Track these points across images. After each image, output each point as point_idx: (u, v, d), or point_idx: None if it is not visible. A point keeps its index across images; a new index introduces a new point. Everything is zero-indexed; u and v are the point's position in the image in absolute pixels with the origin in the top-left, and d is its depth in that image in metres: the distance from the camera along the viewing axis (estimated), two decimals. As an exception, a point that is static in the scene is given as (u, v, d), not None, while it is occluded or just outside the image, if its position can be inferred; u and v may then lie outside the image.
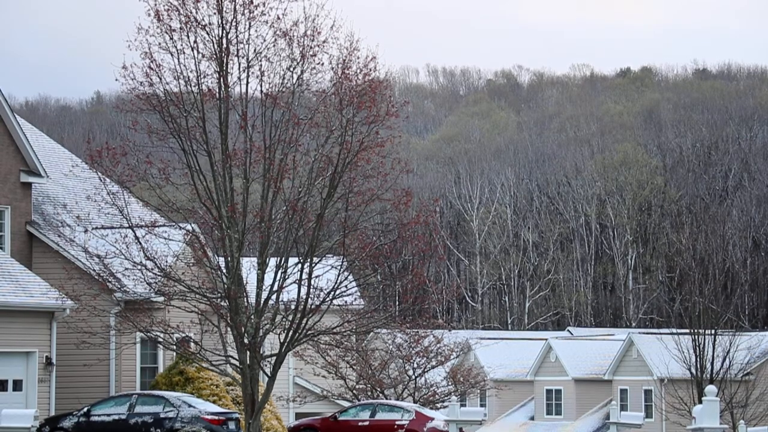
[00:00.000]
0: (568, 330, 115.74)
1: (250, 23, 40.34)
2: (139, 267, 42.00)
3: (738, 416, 68.52)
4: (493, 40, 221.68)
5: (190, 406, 47.16)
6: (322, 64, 40.99)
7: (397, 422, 57.62)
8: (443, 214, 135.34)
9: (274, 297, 41.08)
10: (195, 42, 40.24)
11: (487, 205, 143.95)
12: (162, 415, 46.84)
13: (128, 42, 40.53)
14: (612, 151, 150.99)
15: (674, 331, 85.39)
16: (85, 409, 47.69)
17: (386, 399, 64.80)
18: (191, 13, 40.16)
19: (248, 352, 40.78)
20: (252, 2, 40.25)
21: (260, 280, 40.85)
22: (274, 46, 40.44)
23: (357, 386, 70.18)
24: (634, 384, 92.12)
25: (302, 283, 41.19)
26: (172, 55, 40.27)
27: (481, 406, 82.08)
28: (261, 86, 40.73)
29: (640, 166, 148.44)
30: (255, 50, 40.49)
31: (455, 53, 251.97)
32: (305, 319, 41.50)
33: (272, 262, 41.23)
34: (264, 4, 40.23)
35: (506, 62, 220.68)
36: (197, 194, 41.14)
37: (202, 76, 40.34)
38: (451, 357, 78.93)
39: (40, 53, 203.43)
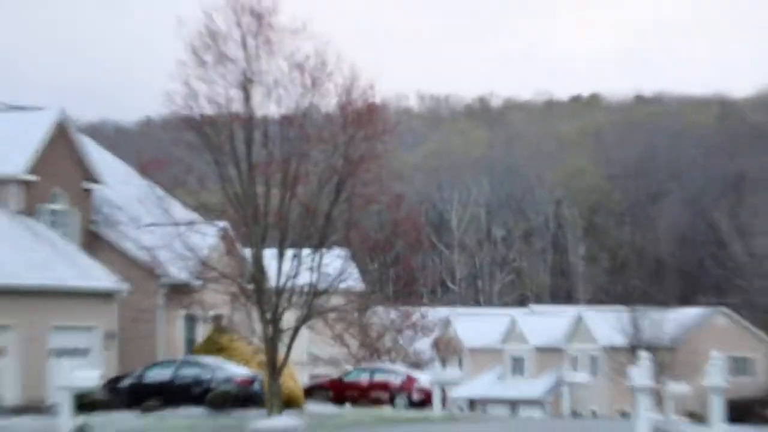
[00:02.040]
0: (530, 307, 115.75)
1: (269, 58, 40.31)
2: (181, 257, 42.05)
3: (665, 376, 68.56)
4: (471, 69, 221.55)
5: (223, 369, 47.34)
6: (329, 90, 40.96)
7: (391, 382, 57.73)
8: (428, 214, 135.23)
9: (290, 281, 41.08)
10: (224, 74, 40.25)
11: (464, 206, 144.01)
12: (200, 377, 47.03)
13: (171, 74, 40.58)
14: (567, 164, 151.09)
15: (616, 308, 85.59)
16: (139, 372, 47.90)
17: (382, 364, 64.89)
18: (221, 49, 40.13)
19: (270, 326, 40.81)
20: (270, 40, 40.20)
21: (279, 268, 40.88)
22: (289, 76, 40.42)
23: (358, 354, 70.29)
24: (584, 351, 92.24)
25: (313, 270, 41.20)
26: (205, 83, 40.26)
27: (459, 369, 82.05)
28: (279, 109, 40.77)
29: (589, 175, 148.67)
30: (273, 80, 40.44)
31: (440, 80, 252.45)
32: (316, 299, 41.53)
33: (289, 253, 41.26)
34: (280, 41, 40.19)
35: (481, 89, 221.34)
36: (227, 198, 41.17)
37: (230, 101, 40.35)
38: (435, 329, 79.08)
39: (103, 81, 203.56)
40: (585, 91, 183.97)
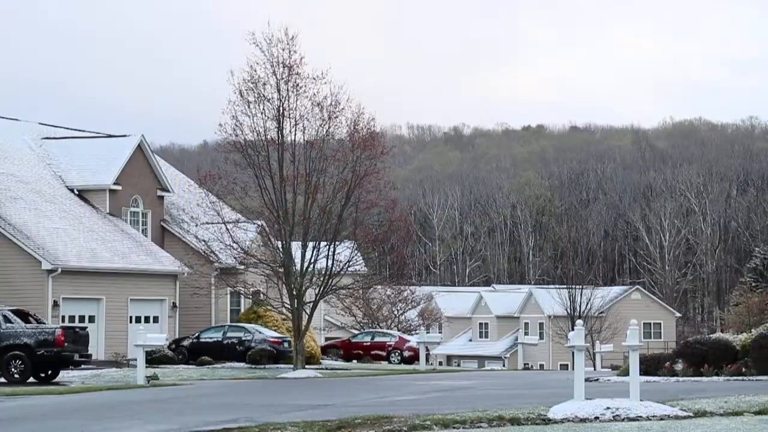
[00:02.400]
0: (493, 286, 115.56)
1: (296, 98, 40.14)
2: (229, 247, 41.91)
3: (595, 338, 68.40)
4: (448, 105, 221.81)
5: (260, 332, 47.16)
6: (341, 122, 40.80)
7: (387, 343, 57.53)
8: (416, 215, 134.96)
9: (311, 266, 40.91)
10: (263, 110, 40.05)
11: (442, 209, 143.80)
12: (243, 338, 46.86)
13: (223, 109, 40.50)
14: (520, 177, 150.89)
15: (558, 286, 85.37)
16: (196, 334, 47.71)
17: (381, 329, 64.69)
18: (261, 92, 39.92)
19: (295, 300, 40.66)
20: (297, 85, 40.01)
21: (303, 256, 40.72)
22: (311, 112, 40.26)
23: (362, 321, 70.11)
24: (533, 319, 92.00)
25: (329, 257, 41.04)
26: (249, 117, 40.07)
27: (439, 333, 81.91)
28: (303, 136, 40.62)
29: (536, 185, 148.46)
30: (300, 114, 40.27)
31: (425, 114, 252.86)
32: (331, 280, 41.37)
33: (310, 244, 41.08)
34: (305, 86, 40.06)
35: (455, 120, 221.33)
36: (264, 202, 40.98)
37: (267, 130, 40.15)
38: (421, 303, 78.86)
39: (171, 114, 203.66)
40: (533, 123, 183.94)
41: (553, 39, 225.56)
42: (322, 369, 44.25)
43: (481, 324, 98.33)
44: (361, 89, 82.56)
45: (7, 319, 34.07)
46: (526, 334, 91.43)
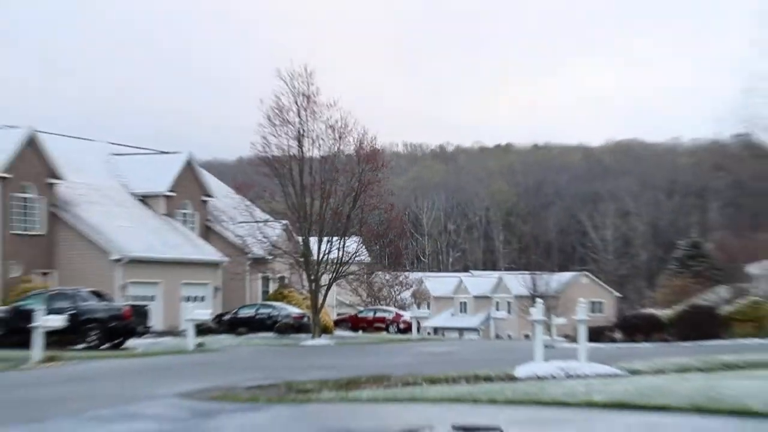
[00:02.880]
0: (470, 272, 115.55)
1: (313, 122, 40.22)
2: (260, 241, 42.00)
3: (552, 313, 68.46)
4: (434, 128, 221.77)
5: (285, 309, 47.22)
6: (349, 141, 40.89)
7: (386, 317, 57.73)
8: (409, 216, 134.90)
9: (326, 256, 41.00)
10: (286, 131, 40.19)
11: (430, 210, 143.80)
12: (271, 314, 46.92)
13: (254, 131, 40.61)
14: (492, 185, 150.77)
15: (523, 272, 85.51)
16: (235, 311, 47.80)
17: (381, 306, 64.80)
18: (285, 117, 40.07)
19: (313, 283, 40.77)
20: (314, 111, 40.19)
21: (319, 248, 40.82)
22: (325, 133, 40.36)
23: (366, 300, 70.25)
24: (503, 298, 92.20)
25: (339, 249, 41.13)
26: (275, 137, 40.17)
27: (428, 309, 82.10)
28: (319, 152, 40.73)
29: (506, 192, 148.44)
30: (316, 135, 40.39)
31: (416, 134, 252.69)
32: (341, 267, 41.48)
33: (325, 239, 41.20)
34: (321, 111, 40.18)
35: (440, 139, 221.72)
36: (287, 206, 41.11)
37: (289, 148, 40.28)
38: (413, 285, 79.00)
39: (214, 135, 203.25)
40: (503, 141, 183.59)
41: (520, 73, 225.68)
42: (334, 338, 44.39)
43: (461, 302, 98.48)
44: (364, 113, 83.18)
45: (85, 299, 34.31)
46: (497, 310, 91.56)
